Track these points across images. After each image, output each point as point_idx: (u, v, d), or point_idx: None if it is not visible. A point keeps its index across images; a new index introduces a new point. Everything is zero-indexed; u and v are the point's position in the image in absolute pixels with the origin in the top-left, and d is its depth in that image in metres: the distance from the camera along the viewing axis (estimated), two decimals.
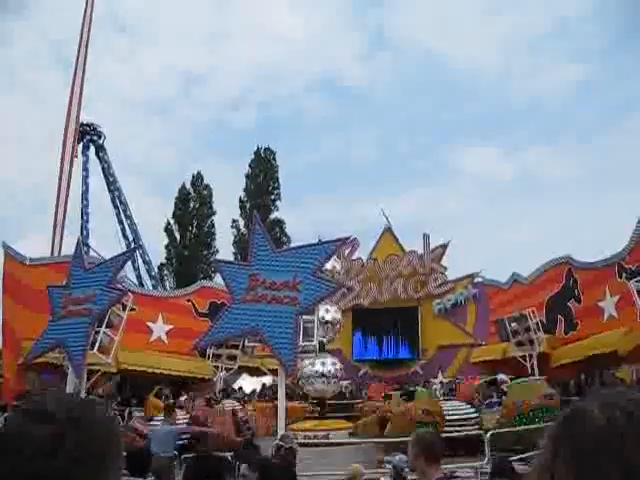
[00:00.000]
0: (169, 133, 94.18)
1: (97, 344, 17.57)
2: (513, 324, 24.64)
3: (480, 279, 34.56)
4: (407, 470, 8.75)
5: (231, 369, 25.74)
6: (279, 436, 14.52)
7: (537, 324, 24.57)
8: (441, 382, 28.96)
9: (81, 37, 44.41)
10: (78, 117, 43.88)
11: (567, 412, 1.11)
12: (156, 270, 53.49)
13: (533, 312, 24.84)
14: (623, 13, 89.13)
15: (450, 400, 22.04)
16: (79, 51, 44.00)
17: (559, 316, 28.07)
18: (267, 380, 29.99)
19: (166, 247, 57.01)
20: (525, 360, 24.05)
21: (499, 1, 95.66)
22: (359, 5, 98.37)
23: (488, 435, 15.99)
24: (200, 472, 4.63)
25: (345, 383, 26.31)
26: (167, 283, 54.78)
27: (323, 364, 22.04)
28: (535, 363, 23.79)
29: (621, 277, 23.79)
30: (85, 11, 44.93)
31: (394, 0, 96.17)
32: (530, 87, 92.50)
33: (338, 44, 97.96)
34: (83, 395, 13.65)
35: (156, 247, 57.01)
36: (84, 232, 47.32)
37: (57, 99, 68.36)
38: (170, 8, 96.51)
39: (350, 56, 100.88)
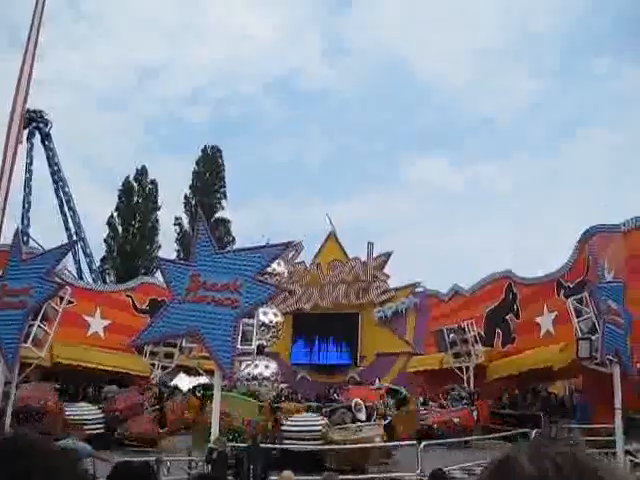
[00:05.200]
0: (120, 125, 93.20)
1: (31, 337, 17.25)
2: (451, 335, 24.92)
3: (421, 289, 34.89)
4: None
5: (168, 367, 25.47)
6: (212, 439, 14.43)
7: (475, 336, 24.90)
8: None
9: (33, 19, 43.55)
10: (25, 102, 43.01)
11: (497, 461, 1.08)
12: (98, 263, 52.78)
13: (472, 324, 25.17)
14: (575, 32, 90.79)
15: None
16: (30, 33, 43.15)
17: (497, 329, 28.46)
18: (203, 380, 29.67)
19: (105, 241, 56.08)
20: (462, 372, 24.31)
21: (459, 16, 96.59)
22: (321, 9, 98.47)
23: None
24: (124, 478, 4.47)
25: (282, 386, 26.27)
26: (108, 277, 54.03)
27: (260, 367, 21.99)
28: (472, 375, 24.08)
29: (559, 294, 24.22)
30: None
31: (356, 8, 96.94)
32: (485, 101, 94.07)
33: (298, 47, 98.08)
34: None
35: (99, 240, 55.98)
36: (25, 221, 46.43)
37: (4, 83, 66.71)
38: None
39: (308, 59, 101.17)
